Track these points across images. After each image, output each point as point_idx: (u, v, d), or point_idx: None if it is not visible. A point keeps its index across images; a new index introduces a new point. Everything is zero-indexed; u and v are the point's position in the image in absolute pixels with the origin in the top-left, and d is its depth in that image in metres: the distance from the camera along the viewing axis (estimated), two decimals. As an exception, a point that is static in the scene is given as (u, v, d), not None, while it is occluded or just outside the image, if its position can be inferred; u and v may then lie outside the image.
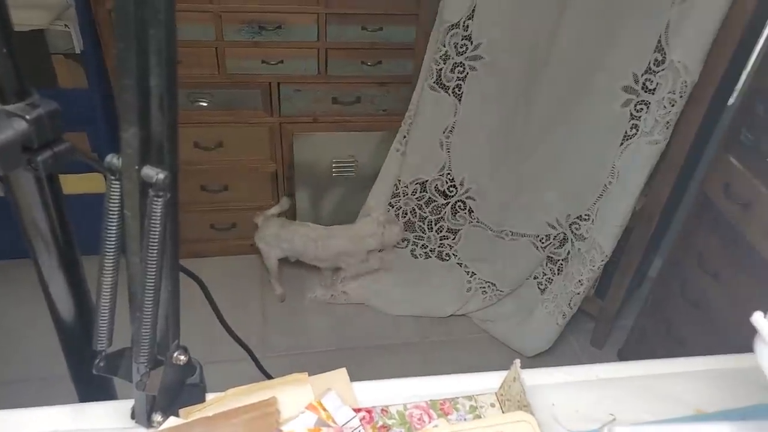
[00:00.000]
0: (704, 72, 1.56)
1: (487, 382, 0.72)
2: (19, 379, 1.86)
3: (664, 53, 1.60)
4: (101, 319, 0.54)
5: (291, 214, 2.32)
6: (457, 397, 0.69)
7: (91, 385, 0.75)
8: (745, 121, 1.54)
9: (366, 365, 2.01)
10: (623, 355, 2.13)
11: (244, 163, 2.15)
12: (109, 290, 0.54)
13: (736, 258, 1.57)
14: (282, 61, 1.93)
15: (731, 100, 1.90)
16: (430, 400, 0.69)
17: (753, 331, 1.54)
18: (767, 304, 1.46)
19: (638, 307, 2.06)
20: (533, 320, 2.12)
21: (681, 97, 1.59)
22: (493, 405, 0.69)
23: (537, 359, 2.10)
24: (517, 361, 0.66)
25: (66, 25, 1.76)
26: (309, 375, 0.71)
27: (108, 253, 0.53)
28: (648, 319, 1.97)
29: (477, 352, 2.13)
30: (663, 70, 1.61)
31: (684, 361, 0.78)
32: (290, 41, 1.90)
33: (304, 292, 2.26)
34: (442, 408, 0.69)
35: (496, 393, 0.70)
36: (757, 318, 0.46)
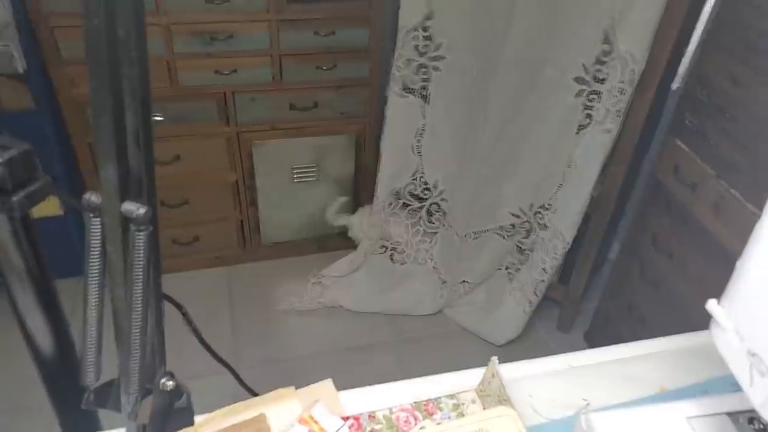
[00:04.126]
0: (649, 60, 1.63)
1: (467, 379, 0.74)
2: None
3: (612, 44, 1.66)
4: (89, 355, 0.54)
5: (254, 225, 2.32)
6: (440, 397, 0.72)
7: (75, 416, 0.74)
8: (688, 107, 1.61)
9: (343, 368, 2.03)
10: (589, 338, 2.20)
11: (203, 175, 2.13)
12: (95, 326, 0.54)
13: (688, 237, 1.64)
14: (236, 71, 1.92)
15: (675, 85, 1.98)
16: (415, 402, 0.72)
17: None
18: (719, 285, 1.54)
19: (600, 290, 2.13)
20: (502, 310, 2.17)
21: (630, 85, 1.65)
22: (474, 401, 0.71)
23: (507, 347, 2.15)
24: (495, 358, 0.69)
25: (6, 45, 1.71)
26: (294, 387, 0.72)
27: (92, 289, 0.53)
28: (610, 301, 2.04)
29: (450, 345, 2.17)
30: (611, 59, 1.67)
31: (647, 343, 0.82)
32: (243, 50, 1.89)
33: (274, 301, 2.26)
34: (426, 409, 0.71)
35: (476, 389, 0.73)
36: (712, 306, 0.50)
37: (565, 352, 2.34)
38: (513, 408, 0.63)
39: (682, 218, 1.66)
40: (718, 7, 1.53)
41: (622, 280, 1.97)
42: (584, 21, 1.67)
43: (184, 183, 2.11)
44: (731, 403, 0.58)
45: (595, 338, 2.16)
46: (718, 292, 1.61)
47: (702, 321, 1.74)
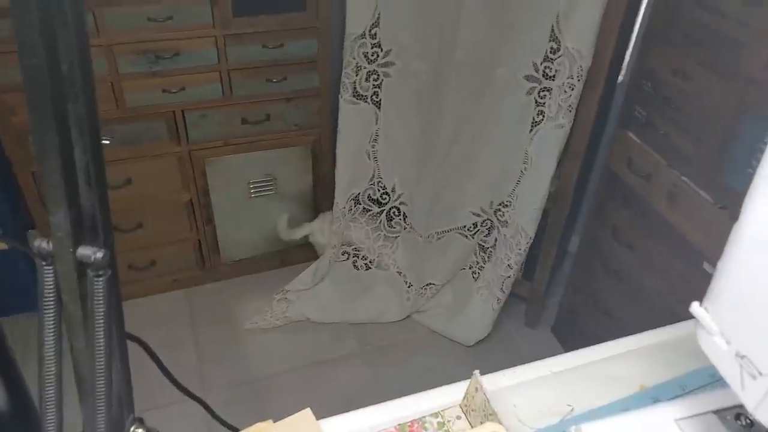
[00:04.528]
0: (596, 55, 1.66)
1: (450, 395, 0.73)
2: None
3: (559, 41, 1.68)
4: (48, 416, 0.51)
5: (212, 243, 2.26)
6: (424, 416, 0.70)
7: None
8: (636, 99, 1.65)
9: (314, 384, 1.99)
10: (557, 331, 2.22)
11: (156, 196, 2.06)
12: (53, 383, 0.50)
13: (646, 227, 1.68)
14: (184, 88, 1.87)
15: (620, 78, 2.02)
16: (399, 425, 0.70)
17: (670, 293, 1.64)
18: (681, 273, 1.56)
19: (564, 283, 2.15)
20: (470, 309, 2.17)
21: (579, 81, 1.68)
22: (459, 417, 0.70)
23: (478, 347, 2.15)
24: (477, 372, 0.68)
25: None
26: (272, 420, 0.70)
27: (48, 343, 0.49)
28: (575, 294, 2.07)
29: (421, 350, 2.16)
30: (559, 57, 1.69)
31: (624, 342, 0.83)
32: (190, 67, 1.84)
33: (238, 321, 2.21)
34: (411, 430, 0.69)
35: (460, 405, 0.71)
36: (695, 308, 0.50)
37: (534, 348, 2.36)
38: (500, 422, 0.62)
39: (639, 209, 1.69)
40: (654, 0, 1.56)
41: (585, 273, 1.99)
42: (531, 20, 1.69)
43: (137, 206, 2.04)
44: (717, 400, 0.58)
45: (563, 332, 2.18)
46: (679, 280, 1.64)
47: (665, 310, 1.77)
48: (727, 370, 0.47)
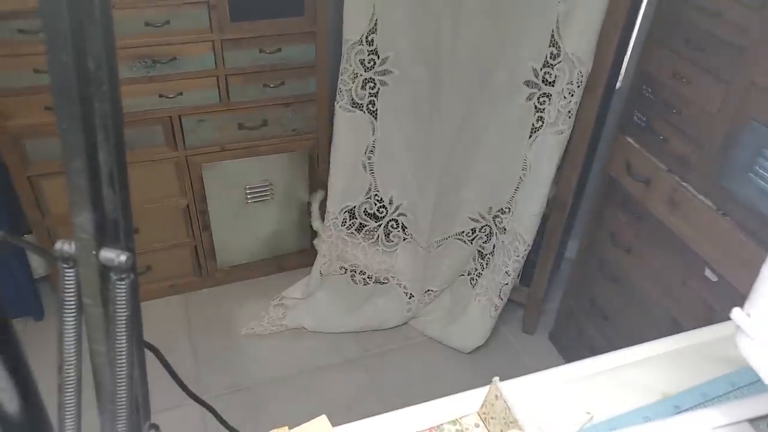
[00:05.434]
0: (595, 61, 1.66)
1: (467, 402, 0.72)
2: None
3: (558, 47, 1.68)
4: (68, 422, 0.49)
5: (209, 249, 2.24)
6: (442, 424, 0.69)
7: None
8: (636, 104, 1.65)
9: (312, 391, 1.97)
10: (554, 338, 2.22)
11: (153, 202, 2.05)
12: (73, 389, 0.49)
13: (645, 232, 1.68)
14: (181, 93, 1.86)
15: (618, 84, 2.03)
16: None
17: (670, 299, 1.63)
18: (679, 277, 1.56)
19: (562, 289, 2.15)
20: (468, 316, 2.16)
21: (578, 86, 1.68)
22: (477, 425, 0.69)
23: (476, 354, 2.14)
24: (496, 379, 0.67)
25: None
26: (288, 427, 0.68)
27: (69, 348, 0.48)
28: (572, 299, 2.07)
29: (419, 357, 2.15)
30: (559, 62, 1.70)
31: (642, 348, 0.82)
32: (187, 72, 1.83)
33: (235, 327, 2.19)
34: (428, 437, 0.68)
35: (478, 412, 0.71)
36: (737, 314, 0.49)
37: (531, 354, 2.35)
38: (523, 430, 0.61)
39: (637, 214, 1.69)
40: (654, 6, 1.57)
41: (583, 278, 1.99)
42: (531, 26, 1.70)
43: (134, 211, 2.00)
44: (750, 408, 0.58)
45: (561, 338, 2.18)
46: (680, 287, 1.64)
47: (665, 317, 1.77)
48: (774, 378, 0.46)
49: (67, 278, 0.47)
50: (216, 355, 2.09)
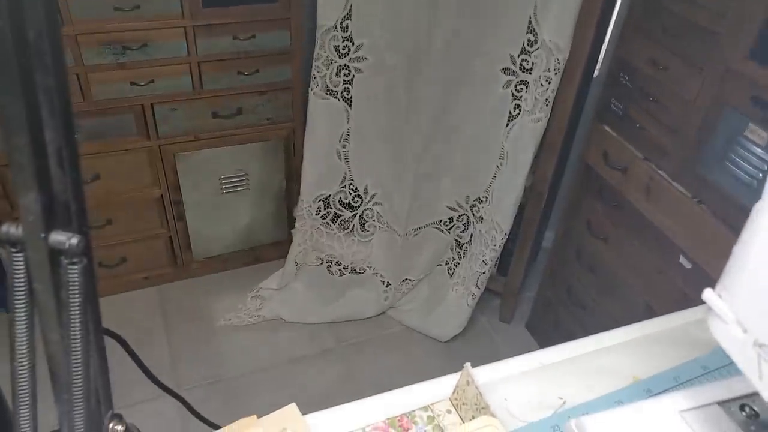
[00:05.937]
0: (573, 48, 1.66)
1: (439, 388, 0.71)
2: None
3: (536, 34, 1.67)
4: (22, 412, 0.47)
5: (184, 240, 2.20)
6: (414, 410, 0.68)
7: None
8: (613, 92, 1.65)
9: (289, 382, 1.96)
10: (531, 326, 2.23)
11: (126, 192, 2.00)
12: (27, 378, 0.47)
13: (622, 221, 1.68)
14: (153, 81, 1.82)
15: (596, 73, 2.03)
16: (388, 419, 0.68)
17: (646, 287, 1.64)
18: (655, 265, 1.57)
19: (539, 278, 2.16)
20: (445, 305, 2.16)
21: (556, 74, 1.68)
22: (449, 411, 0.68)
23: (453, 342, 2.14)
24: (468, 364, 0.66)
25: None
26: (257, 416, 0.67)
27: (21, 336, 0.46)
28: (549, 288, 2.07)
29: (396, 346, 2.15)
30: (536, 49, 1.69)
31: (615, 333, 0.82)
32: (159, 59, 1.79)
33: (211, 319, 2.16)
34: (401, 424, 0.67)
35: (450, 398, 0.70)
36: (708, 294, 0.49)
37: (508, 342, 2.35)
38: (493, 415, 0.60)
39: (614, 202, 1.70)
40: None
41: (560, 267, 2.00)
42: (508, 12, 1.68)
43: (106, 202, 1.98)
44: (720, 391, 0.57)
45: (537, 327, 2.19)
46: (655, 274, 1.64)
47: (641, 303, 1.78)
48: (743, 359, 0.45)
49: (15, 263, 0.45)
50: (192, 346, 2.06)
